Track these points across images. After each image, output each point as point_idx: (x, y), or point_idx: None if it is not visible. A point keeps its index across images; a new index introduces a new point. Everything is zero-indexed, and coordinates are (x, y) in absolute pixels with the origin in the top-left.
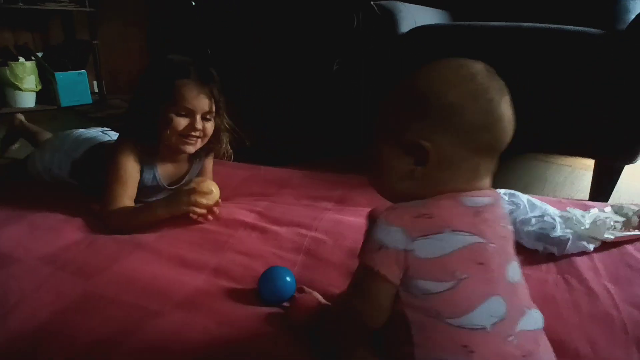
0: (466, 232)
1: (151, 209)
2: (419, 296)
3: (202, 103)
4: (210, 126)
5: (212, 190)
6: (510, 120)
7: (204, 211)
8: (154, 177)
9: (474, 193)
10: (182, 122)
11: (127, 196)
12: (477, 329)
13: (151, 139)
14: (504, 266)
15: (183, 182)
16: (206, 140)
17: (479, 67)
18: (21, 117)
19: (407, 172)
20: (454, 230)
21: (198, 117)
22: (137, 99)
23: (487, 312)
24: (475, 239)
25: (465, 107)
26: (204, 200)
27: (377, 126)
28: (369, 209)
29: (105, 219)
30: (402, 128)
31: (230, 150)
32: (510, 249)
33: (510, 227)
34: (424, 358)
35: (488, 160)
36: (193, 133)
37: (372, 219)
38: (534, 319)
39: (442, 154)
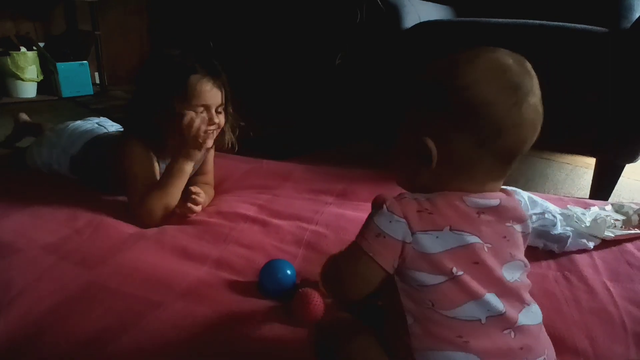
0: (465, 232)
1: (169, 168)
2: (414, 287)
3: (216, 97)
4: (222, 118)
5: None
6: (532, 126)
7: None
8: (161, 171)
9: (481, 195)
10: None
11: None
12: (471, 320)
13: (157, 136)
14: (499, 266)
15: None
16: (219, 131)
17: (510, 62)
18: (25, 117)
19: (414, 170)
20: (452, 229)
21: (214, 111)
22: (142, 98)
23: (482, 306)
24: (473, 239)
25: (486, 106)
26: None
27: (398, 117)
28: (370, 204)
29: (141, 221)
30: (415, 122)
31: (234, 140)
32: (513, 249)
33: (519, 228)
34: (421, 347)
35: (504, 164)
36: (211, 127)
37: (377, 205)
38: (533, 314)
39: (453, 155)
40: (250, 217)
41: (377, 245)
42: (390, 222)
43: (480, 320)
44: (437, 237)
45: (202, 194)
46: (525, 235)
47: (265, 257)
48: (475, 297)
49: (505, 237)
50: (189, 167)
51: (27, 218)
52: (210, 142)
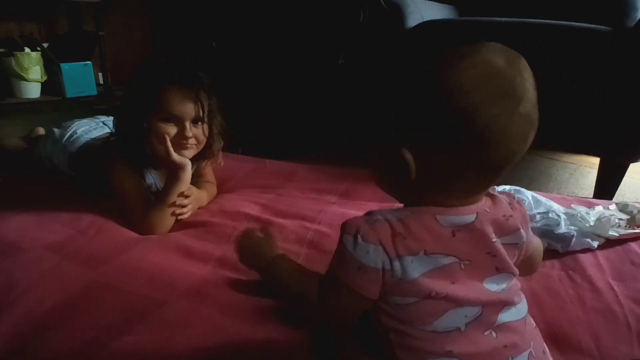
0: (440, 254)
1: (162, 192)
2: (392, 306)
3: (188, 108)
4: (202, 132)
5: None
6: (523, 138)
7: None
8: (154, 184)
9: (456, 211)
10: (170, 130)
11: (145, 203)
12: (450, 330)
13: (140, 149)
14: (479, 281)
15: None
16: (202, 146)
17: (500, 63)
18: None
19: (390, 179)
20: (427, 253)
21: (187, 123)
22: (123, 110)
23: (460, 315)
24: (448, 260)
25: (468, 117)
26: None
27: (380, 122)
28: (373, 203)
29: (142, 232)
30: (394, 130)
31: (221, 159)
32: (500, 263)
33: (509, 239)
34: (406, 358)
35: (487, 177)
36: (184, 141)
37: (348, 232)
38: (516, 310)
39: (431, 168)
40: (254, 216)
41: (359, 278)
42: (368, 252)
43: (459, 328)
44: (412, 261)
45: (194, 192)
46: (517, 246)
47: None
48: (451, 308)
49: (490, 252)
50: (186, 176)
51: (30, 218)
52: (186, 153)
